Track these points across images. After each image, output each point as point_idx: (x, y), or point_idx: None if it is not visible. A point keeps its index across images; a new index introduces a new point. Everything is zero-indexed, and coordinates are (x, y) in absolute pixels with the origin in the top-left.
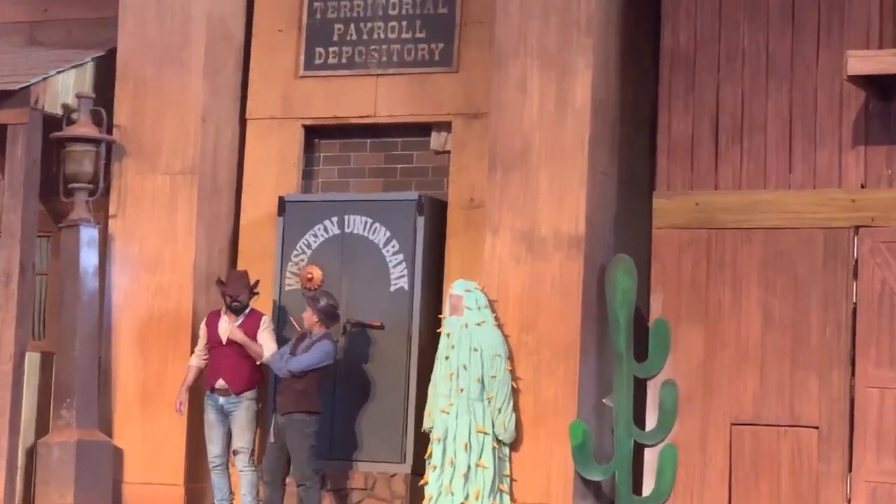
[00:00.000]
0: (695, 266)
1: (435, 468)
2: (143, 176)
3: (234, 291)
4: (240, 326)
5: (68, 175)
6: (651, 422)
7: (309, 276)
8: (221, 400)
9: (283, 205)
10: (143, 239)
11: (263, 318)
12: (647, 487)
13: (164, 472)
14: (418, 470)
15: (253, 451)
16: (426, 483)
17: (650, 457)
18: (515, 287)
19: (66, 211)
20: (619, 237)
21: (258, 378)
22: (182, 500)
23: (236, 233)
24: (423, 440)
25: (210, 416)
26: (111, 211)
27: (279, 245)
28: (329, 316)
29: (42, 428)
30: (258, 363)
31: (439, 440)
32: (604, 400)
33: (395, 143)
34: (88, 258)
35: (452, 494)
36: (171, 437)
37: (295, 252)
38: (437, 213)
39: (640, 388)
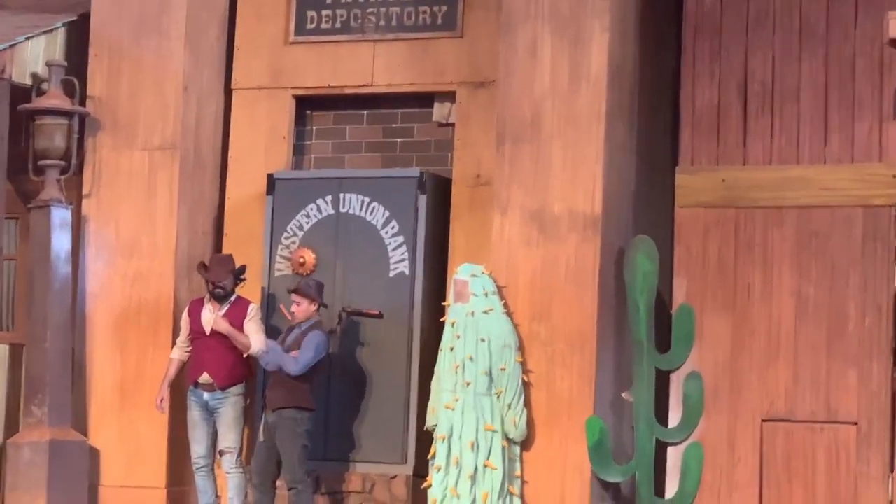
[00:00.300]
0: (721, 248)
1: (439, 469)
2: (119, 152)
3: (217, 277)
4: (224, 316)
5: (38, 151)
6: (674, 418)
7: (301, 260)
8: (206, 395)
9: (272, 183)
10: (119, 221)
11: (251, 306)
12: (671, 490)
13: (144, 474)
14: (421, 471)
15: (240, 451)
16: (429, 485)
17: (673, 456)
18: (526, 272)
19: (35, 190)
20: (639, 217)
21: (245, 372)
22: None
23: (221, 214)
24: (425, 439)
25: (194, 414)
26: (85, 190)
27: (268, 227)
28: (322, 295)
29: (11, 426)
30: (245, 356)
31: (444, 439)
32: (623, 394)
33: (395, 114)
34: (60, 242)
35: (458, 498)
36: (151, 436)
37: (285, 234)
38: (440, 190)
39: (662, 381)
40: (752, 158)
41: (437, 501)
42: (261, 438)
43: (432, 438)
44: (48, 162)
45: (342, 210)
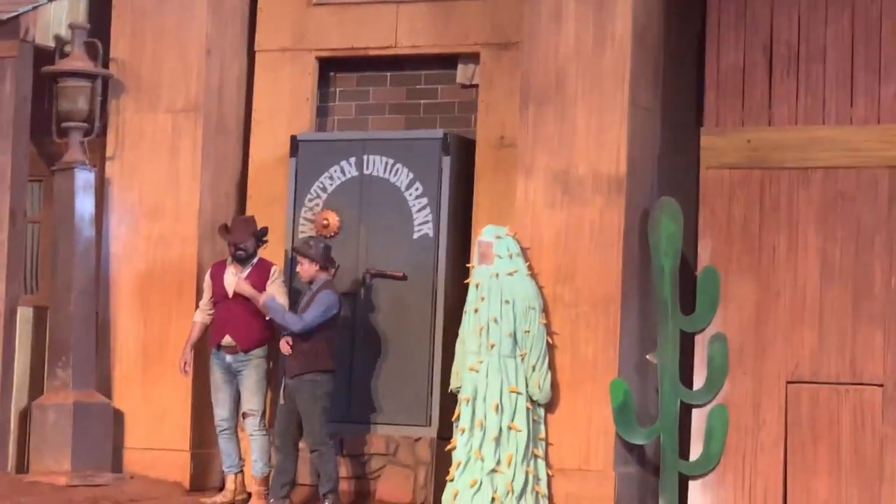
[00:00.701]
0: (747, 210)
1: (463, 431)
2: (142, 114)
3: (239, 239)
4: (247, 278)
5: (61, 113)
6: (699, 380)
7: (324, 222)
8: (229, 358)
9: (295, 145)
10: (142, 183)
11: (273, 268)
12: (695, 452)
13: (167, 436)
14: (445, 434)
15: (264, 413)
16: (454, 448)
17: (698, 418)
18: (550, 234)
19: (59, 153)
20: (664, 178)
21: (268, 335)
22: (188, 466)
23: (244, 176)
24: (449, 401)
25: (217, 377)
26: (108, 152)
27: (291, 189)
28: (329, 259)
29: (36, 389)
30: (268, 318)
31: (468, 401)
32: (647, 357)
33: (418, 76)
34: (84, 204)
35: (482, 460)
36: (174, 398)
37: (309, 196)
38: (464, 152)
39: (686, 343)
40: (778, 119)
41: (462, 463)
42: (281, 402)
43: (456, 400)
44: (71, 124)
45: (366, 172)
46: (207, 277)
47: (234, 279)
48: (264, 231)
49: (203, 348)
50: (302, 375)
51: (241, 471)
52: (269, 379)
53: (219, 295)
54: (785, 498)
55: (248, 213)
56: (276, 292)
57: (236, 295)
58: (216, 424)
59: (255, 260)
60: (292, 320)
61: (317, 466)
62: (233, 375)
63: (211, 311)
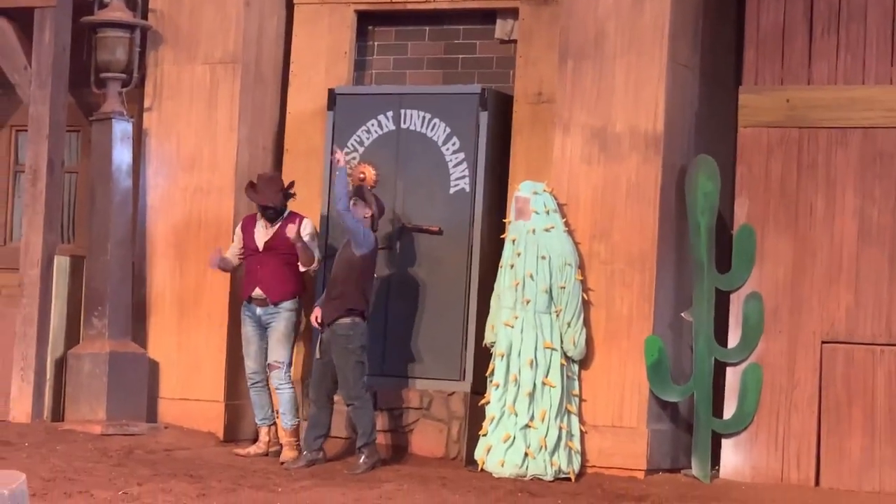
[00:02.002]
0: (784, 169)
1: (497, 386)
2: (180, 65)
3: (266, 200)
4: (276, 232)
5: (100, 64)
6: (734, 339)
7: (361, 175)
8: (259, 310)
9: (333, 98)
10: (180, 134)
11: (304, 221)
12: (729, 410)
13: (202, 387)
14: (479, 388)
15: (290, 365)
16: (487, 402)
17: (732, 377)
18: (587, 190)
19: (97, 103)
20: (701, 136)
21: (298, 287)
22: (222, 417)
23: (282, 128)
24: (484, 356)
25: (247, 329)
26: (146, 103)
27: (329, 142)
28: (379, 216)
29: (72, 338)
30: (302, 270)
31: (502, 356)
32: (682, 314)
33: (457, 30)
34: (121, 155)
35: (516, 415)
36: (209, 349)
37: (346, 150)
38: (501, 108)
39: (722, 301)
40: (817, 78)
41: (495, 418)
42: (317, 356)
43: (490, 355)
44: (110, 75)
45: (403, 126)
46: (238, 230)
47: (266, 232)
48: (290, 185)
49: (236, 302)
50: (335, 323)
51: (274, 423)
52: (297, 331)
53: (250, 248)
54: (818, 457)
55: (285, 165)
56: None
57: (267, 248)
58: (247, 377)
59: (285, 213)
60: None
61: (353, 419)
62: (263, 328)
63: (241, 256)
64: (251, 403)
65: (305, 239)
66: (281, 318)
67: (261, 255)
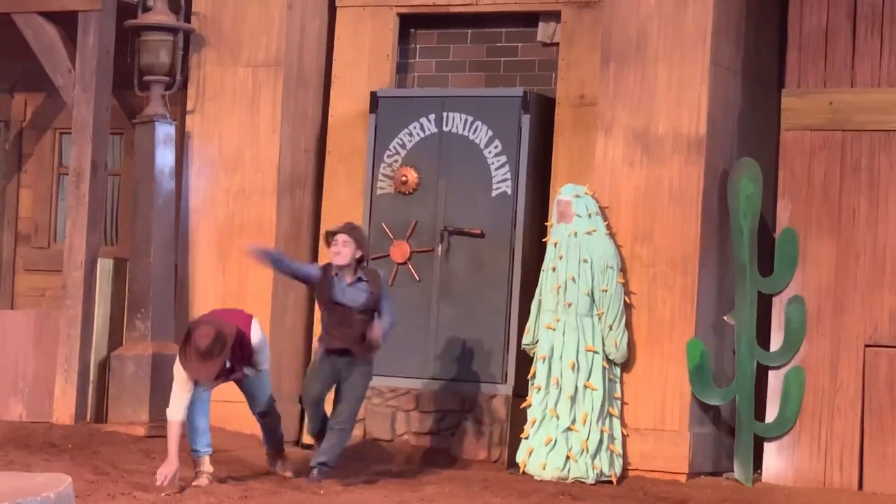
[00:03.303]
0: (827, 171)
1: (539, 389)
2: (223, 68)
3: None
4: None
5: (143, 66)
6: (776, 342)
7: (403, 178)
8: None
9: (375, 101)
10: (222, 137)
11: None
12: (771, 413)
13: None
14: (520, 391)
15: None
16: (529, 405)
17: (774, 380)
18: (629, 193)
19: (140, 106)
20: (744, 139)
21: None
22: None
23: (324, 131)
24: (525, 359)
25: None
26: (189, 106)
27: (371, 145)
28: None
29: (115, 340)
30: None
31: (544, 359)
32: (724, 317)
33: (499, 33)
34: (164, 157)
35: (558, 418)
36: None
37: (388, 153)
38: (543, 110)
39: (764, 304)
40: (861, 81)
41: (537, 421)
42: (322, 370)
43: (530, 358)
44: (153, 78)
45: (445, 129)
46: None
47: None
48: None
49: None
50: (363, 359)
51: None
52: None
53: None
54: (861, 461)
55: (327, 168)
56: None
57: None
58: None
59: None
60: (390, 322)
61: (336, 439)
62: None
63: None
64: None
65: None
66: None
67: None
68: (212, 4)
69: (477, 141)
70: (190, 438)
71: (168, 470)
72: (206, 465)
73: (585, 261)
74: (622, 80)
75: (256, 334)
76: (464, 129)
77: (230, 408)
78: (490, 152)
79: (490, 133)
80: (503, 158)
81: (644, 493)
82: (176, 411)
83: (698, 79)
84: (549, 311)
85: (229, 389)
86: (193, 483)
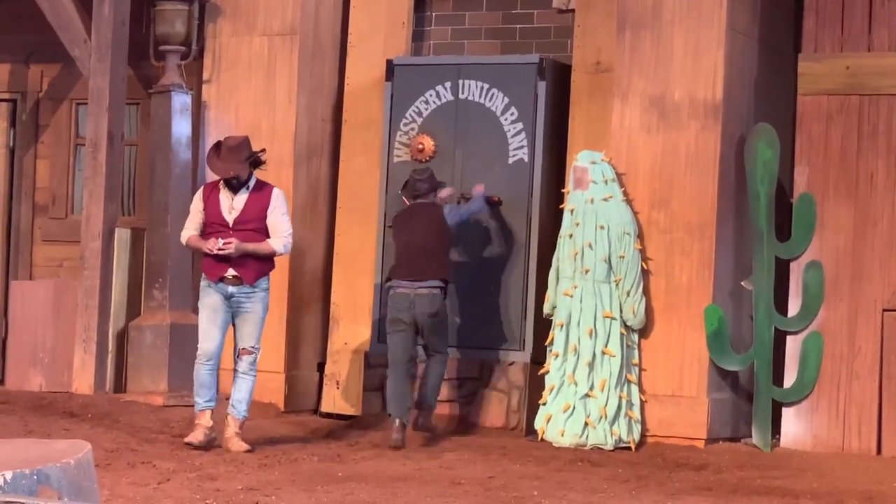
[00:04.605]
0: (844, 136)
1: (557, 356)
2: (239, 37)
3: (227, 172)
4: (246, 204)
5: (159, 36)
6: (794, 307)
7: (420, 146)
8: (231, 289)
9: (391, 68)
10: (239, 106)
11: (274, 192)
12: (789, 379)
13: (263, 359)
14: (538, 358)
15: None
16: (547, 372)
17: (792, 345)
18: (646, 159)
19: (156, 76)
20: (761, 104)
21: (271, 263)
22: (282, 388)
23: (340, 99)
24: (543, 326)
25: (215, 303)
26: (205, 76)
27: (387, 113)
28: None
29: (133, 310)
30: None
31: (562, 326)
32: (742, 283)
33: (514, 0)
34: (181, 127)
35: (576, 385)
36: (270, 320)
37: (404, 120)
38: (559, 77)
39: (781, 270)
40: (878, 45)
41: (555, 388)
42: (399, 316)
43: (550, 325)
44: (169, 47)
45: (461, 96)
46: (199, 200)
47: (231, 204)
48: (261, 152)
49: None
50: (434, 287)
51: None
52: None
53: (216, 223)
54: (879, 426)
55: (344, 136)
56: (276, 221)
57: (236, 223)
58: (202, 355)
59: (251, 183)
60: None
61: (436, 371)
62: (233, 308)
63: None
64: (198, 383)
65: (276, 216)
66: (258, 300)
67: (230, 231)
68: None
69: (493, 108)
70: (195, 393)
71: (211, 245)
72: (206, 419)
73: (602, 227)
74: (638, 46)
75: (279, 192)
76: (480, 97)
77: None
78: (506, 119)
79: (506, 100)
80: (519, 125)
81: (662, 459)
82: (183, 234)
83: (714, 44)
84: (567, 278)
85: None
86: (185, 440)
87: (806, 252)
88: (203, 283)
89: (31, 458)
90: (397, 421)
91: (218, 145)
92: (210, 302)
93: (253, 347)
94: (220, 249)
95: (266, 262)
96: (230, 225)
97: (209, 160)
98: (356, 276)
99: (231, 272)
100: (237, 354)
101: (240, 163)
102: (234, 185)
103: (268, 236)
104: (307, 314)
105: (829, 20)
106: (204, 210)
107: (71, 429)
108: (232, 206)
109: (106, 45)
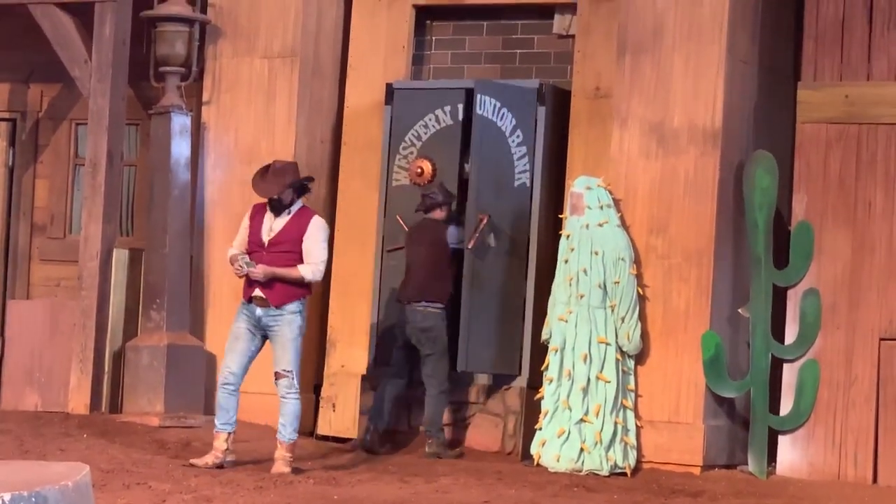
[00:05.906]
0: (843, 164)
1: (551, 381)
2: (239, 59)
3: (267, 192)
4: (284, 228)
5: (159, 58)
6: (791, 335)
7: (418, 170)
8: (259, 311)
9: (390, 92)
10: (238, 128)
11: (313, 219)
12: (786, 406)
13: (260, 380)
14: (535, 383)
15: (298, 373)
16: (542, 397)
17: (789, 373)
18: (644, 185)
19: (156, 96)
20: (760, 131)
21: (304, 289)
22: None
23: (339, 122)
24: (541, 351)
25: (240, 326)
26: (205, 97)
27: (386, 136)
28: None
29: (130, 330)
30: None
31: (557, 350)
32: (739, 310)
33: (515, 25)
34: (180, 148)
35: (570, 410)
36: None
37: (403, 144)
38: (559, 102)
39: (779, 297)
40: (877, 74)
41: (549, 412)
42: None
43: (547, 350)
44: (169, 69)
45: (461, 120)
46: (246, 219)
47: (270, 226)
48: (308, 179)
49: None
50: (431, 304)
51: (234, 430)
52: (303, 334)
53: (254, 243)
54: (876, 455)
55: (343, 158)
56: (311, 248)
57: (271, 245)
58: (223, 376)
59: (295, 207)
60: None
61: (429, 404)
62: (260, 331)
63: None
64: (217, 404)
65: (311, 241)
66: (285, 323)
67: (263, 254)
68: None
69: (503, 128)
70: (215, 414)
71: (236, 268)
72: (220, 442)
73: (597, 253)
74: (638, 71)
75: (319, 221)
76: (493, 115)
77: (245, 398)
78: (513, 141)
79: (514, 122)
80: (524, 149)
81: (658, 486)
82: (229, 250)
83: (714, 70)
84: (562, 303)
85: (245, 379)
86: (191, 461)
87: (803, 279)
88: (241, 304)
89: (30, 480)
90: (369, 425)
91: (266, 168)
92: (235, 327)
93: (285, 371)
94: (244, 273)
95: (294, 286)
96: (265, 245)
97: (253, 180)
98: (353, 298)
99: (258, 293)
100: (274, 378)
101: (280, 185)
102: (277, 208)
103: (302, 261)
104: (304, 336)
105: (828, 48)
106: (249, 228)
107: (66, 449)
108: (271, 227)
109: (106, 66)
